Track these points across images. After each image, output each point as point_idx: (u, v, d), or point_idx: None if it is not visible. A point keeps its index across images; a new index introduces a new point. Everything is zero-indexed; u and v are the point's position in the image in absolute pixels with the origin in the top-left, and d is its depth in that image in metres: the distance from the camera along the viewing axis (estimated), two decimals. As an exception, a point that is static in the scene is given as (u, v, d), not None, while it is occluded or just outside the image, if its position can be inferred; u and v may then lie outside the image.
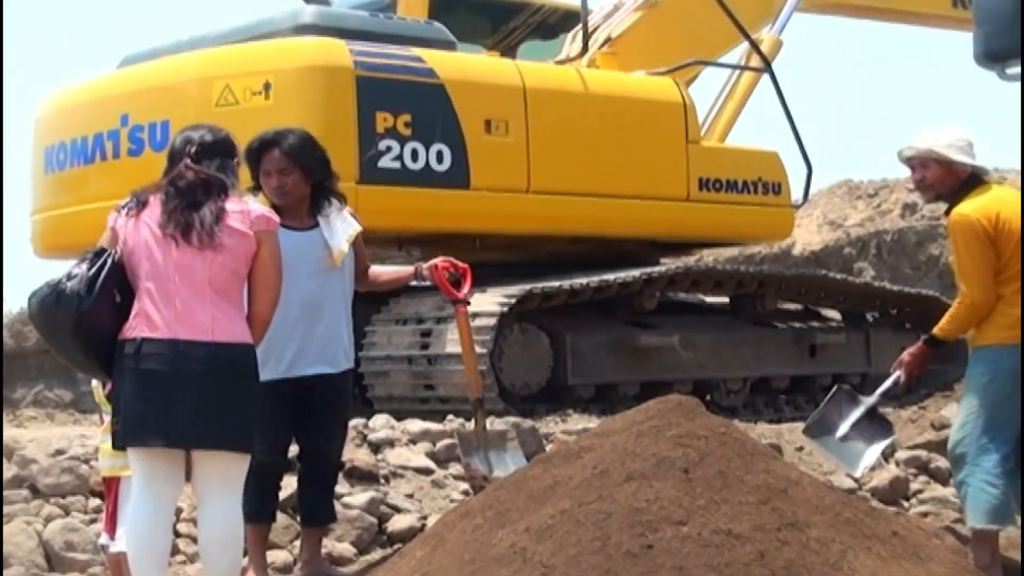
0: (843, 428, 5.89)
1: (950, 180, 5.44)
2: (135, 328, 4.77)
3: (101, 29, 37.10)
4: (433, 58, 8.53)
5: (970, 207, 5.40)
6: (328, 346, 5.66)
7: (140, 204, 4.92)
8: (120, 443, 4.94)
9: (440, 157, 8.40)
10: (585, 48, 9.47)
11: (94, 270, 4.75)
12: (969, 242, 5.37)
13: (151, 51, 9.03)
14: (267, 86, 8.11)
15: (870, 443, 5.93)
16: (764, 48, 10.33)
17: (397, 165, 8.24)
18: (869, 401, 5.95)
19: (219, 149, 5.00)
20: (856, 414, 5.92)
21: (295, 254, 5.45)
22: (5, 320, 15.31)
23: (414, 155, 8.30)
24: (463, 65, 8.81)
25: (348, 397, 5.95)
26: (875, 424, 5.97)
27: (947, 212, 5.53)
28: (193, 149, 4.93)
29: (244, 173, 5.28)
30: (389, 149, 8.21)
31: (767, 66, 10.28)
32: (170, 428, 4.75)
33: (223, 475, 4.87)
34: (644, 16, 9.97)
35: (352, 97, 8.13)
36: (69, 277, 4.75)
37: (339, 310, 5.71)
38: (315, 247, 5.63)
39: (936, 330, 5.61)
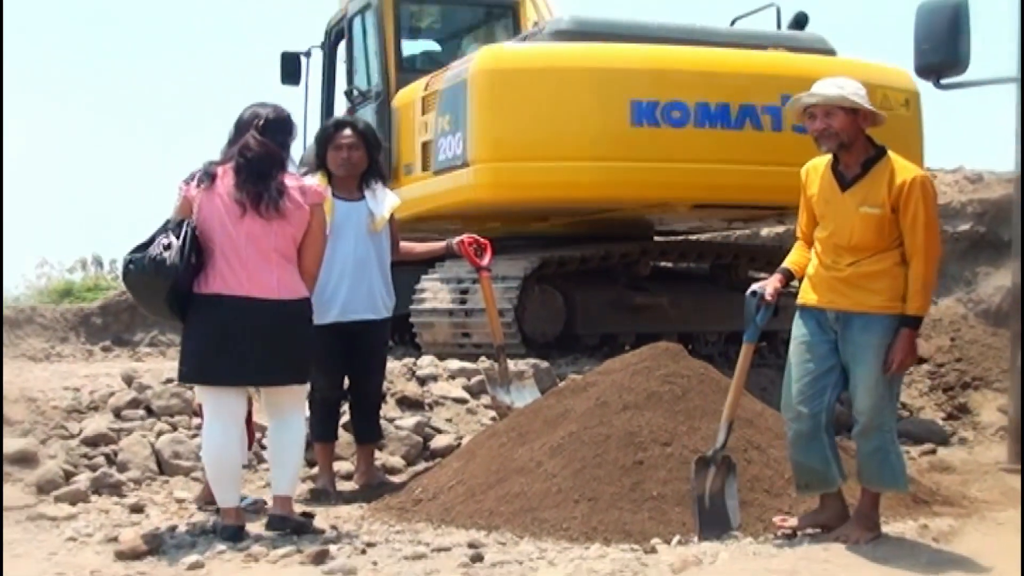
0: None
1: (853, 129, 4.66)
2: (213, 285, 4.76)
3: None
4: None
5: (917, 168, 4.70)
6: (371, 296, 5.80)
7: (210, 177, 4.82)
8: (189, 380, 4.99)
9: None
10: None
11: (181, 241, 4.68)
12: (934, 201, 4.64)
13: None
14: (907, 102, 8.08)
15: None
16: None
17: None
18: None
19: (281, 127, 4.91)
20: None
21: (345, 220, 5.63)
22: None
23: None
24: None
25: (386, 342, 6.07)
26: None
27: (834, 159, 4.76)
28: (260, 123, 4.85)
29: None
30: None
31: None
32: (242, 370, 4.78)
33: (291, 401, 4.96)
34: None
35: None
36: (165, 248, 4.66)
37: (380, 268, 5.85)
38: (362, 214, 5.77)
39: (916, 309, 4.57)
